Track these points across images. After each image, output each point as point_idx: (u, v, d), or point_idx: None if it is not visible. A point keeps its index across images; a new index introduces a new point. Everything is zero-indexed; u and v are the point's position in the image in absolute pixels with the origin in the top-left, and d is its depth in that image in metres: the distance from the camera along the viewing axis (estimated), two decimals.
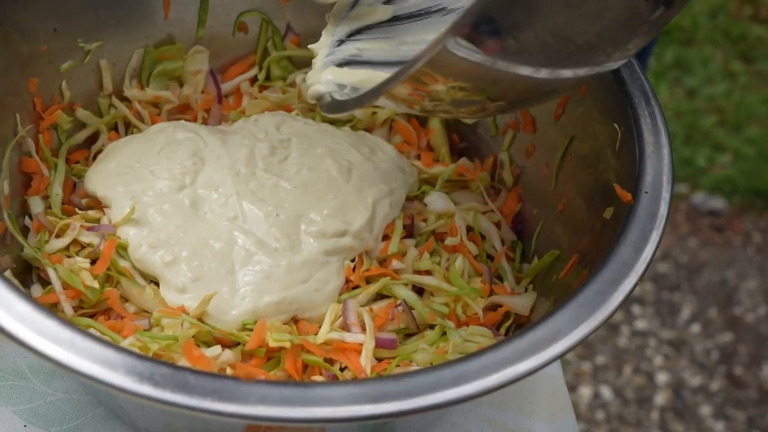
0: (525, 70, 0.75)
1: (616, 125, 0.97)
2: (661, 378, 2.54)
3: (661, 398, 2.49)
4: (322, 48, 1.02)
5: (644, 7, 0.74)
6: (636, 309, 2.69)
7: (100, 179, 1.09)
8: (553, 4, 0.70)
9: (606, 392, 2.51)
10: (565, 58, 0.76)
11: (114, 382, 0.71)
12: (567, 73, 0.79)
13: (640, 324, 2.66)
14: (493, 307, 1.05)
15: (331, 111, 0.96)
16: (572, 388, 2.50)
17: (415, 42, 0.93)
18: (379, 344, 0.97)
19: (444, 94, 0.78)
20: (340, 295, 1.03)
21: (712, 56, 3.31)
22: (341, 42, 1.01)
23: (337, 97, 0.94)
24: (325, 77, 0.98)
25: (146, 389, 0.70)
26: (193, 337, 0.94)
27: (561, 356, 0.76)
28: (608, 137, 0.98)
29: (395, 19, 0.97)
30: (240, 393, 0.70)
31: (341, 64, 0.99)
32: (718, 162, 3.00)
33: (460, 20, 0.67)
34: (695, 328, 2.65)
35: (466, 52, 0.70)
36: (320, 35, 1.20)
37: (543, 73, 0.77)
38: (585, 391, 2.51)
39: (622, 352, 2.60)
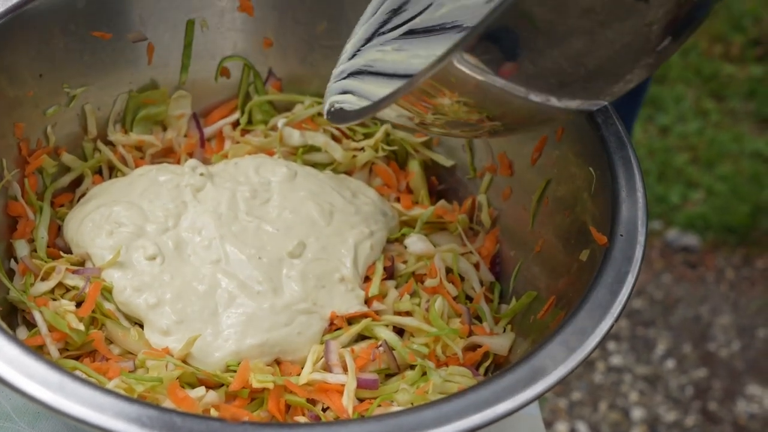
0: (522, 92, 0.76)
1: (591, 169, 0.99)
2: (637, 414, 2.55)
3: None
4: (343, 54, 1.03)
5: (654, 36, 0.75)
6: (611, 345, 2.70)
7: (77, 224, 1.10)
8: (559, 29, 0.71)
9: (582, 428, 2.52)
10: (565, 85, 0.77)
11: (103, 425, 0.72)
12: (562, 103, 0.80)
13: (616, 360, 2.68)
14: (473, 348, 1.06)
15: (335, 120, 0.97)
16: (548, 425, 2.50)
17: (426, 56, 0.92)
18: (361, 384, 0.97)
19: (448, 108, 0.79)
20: (322, 336, 1.04)
21: (684, 94, 3.35)
22: (355, 54, 1.02)
23: (346, 107, 0.94)
24: (334, 87, 0.98)
25: (134, 431, 0.72)
26: (177, 378, 0.95)
27: (539, 396, 0.78)
28: (584, 181, 1.00)
29: (410, 33, 0.97)
30: None
31: (353, 74, 0.99)
32: (691, 199, 3.03)
33: (465, 36, 0.68)
34: (670, 363, 2.66)
35: (472, 68, 0.71)
36: (302, 80, 1.22)
37: (540, 98, 0.78)
38: (561, 428, 2.52)
39: (597, 388, 2.61)
